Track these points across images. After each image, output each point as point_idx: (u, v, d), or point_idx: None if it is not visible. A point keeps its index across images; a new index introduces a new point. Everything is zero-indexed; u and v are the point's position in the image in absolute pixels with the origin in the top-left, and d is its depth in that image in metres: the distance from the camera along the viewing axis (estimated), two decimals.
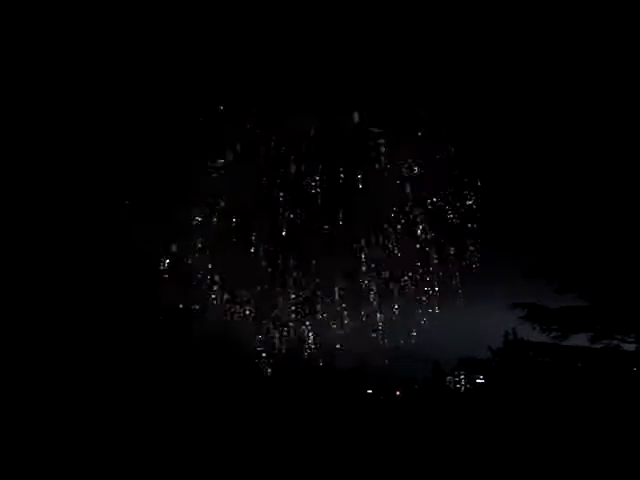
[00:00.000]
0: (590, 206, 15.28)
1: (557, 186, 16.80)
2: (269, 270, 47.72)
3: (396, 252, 51.20)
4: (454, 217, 49.59)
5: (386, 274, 51.50)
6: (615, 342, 14.38)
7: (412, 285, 50.73)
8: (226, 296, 45.10)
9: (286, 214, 47.60)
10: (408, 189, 49.95)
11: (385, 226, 51.04)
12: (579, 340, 14.79)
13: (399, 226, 50.68)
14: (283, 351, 44.48)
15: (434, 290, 51.26)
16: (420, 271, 51.20)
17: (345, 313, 51.47)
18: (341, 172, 48.19)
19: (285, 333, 47.86)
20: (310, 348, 46.74)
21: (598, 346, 14.53)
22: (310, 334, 48.14)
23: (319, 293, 48.68)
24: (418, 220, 50.73)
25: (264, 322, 46.62)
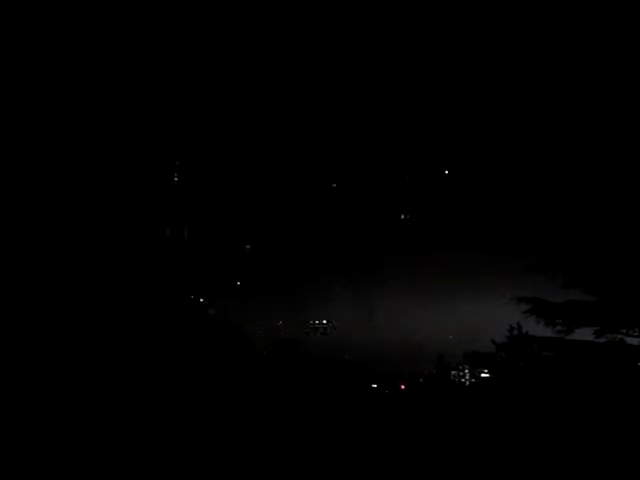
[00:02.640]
0: (595, 200, 15.24)
1: (562, 179, 16.76)
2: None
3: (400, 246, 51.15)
4: (458, 210, 49.51)
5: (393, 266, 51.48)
6: (620, 336, 14.38)
7: (417, 278, 50.76)
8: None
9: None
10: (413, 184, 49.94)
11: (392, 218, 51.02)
12: (584, 334, 14.81)
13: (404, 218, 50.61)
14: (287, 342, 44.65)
15: (439, 283, 51.24)
16: (425, 264, 51.15)
17: (350, 306, 51.48)
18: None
19: (289, 326, 47.97)
20: (315, 341, 46.91)
21: (603, 340, 14.54)
22: (315, 327, 48.22)
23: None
24: (422, 214, 50.66)
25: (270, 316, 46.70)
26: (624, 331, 14.34)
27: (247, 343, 33.18)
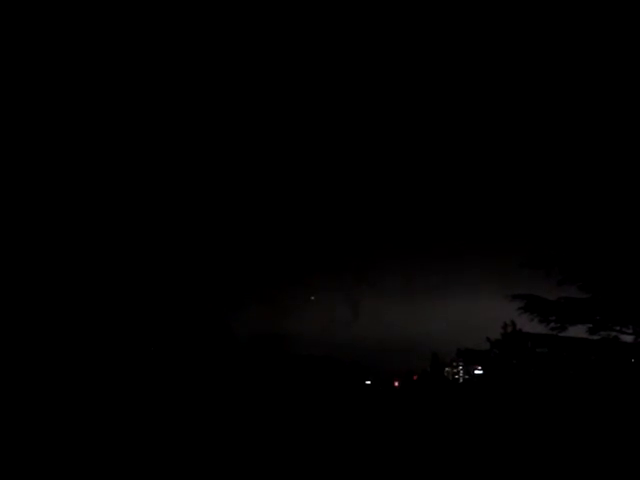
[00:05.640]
0: (590, 198, 15.21)
1: (557, 178, 16.73)
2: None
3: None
4: (452, 207, 49.50)
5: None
6: (613, 333, 14.38)
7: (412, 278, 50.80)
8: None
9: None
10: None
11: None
12: (577, 331, 14.80)
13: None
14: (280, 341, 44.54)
15: (433, 282, 51.27)
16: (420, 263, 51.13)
17: (343, 304, 51.45)
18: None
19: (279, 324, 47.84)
20: (309, 339, 46.87)
21: (596, 337, 14.54)
22: (309, 325, 48.13)
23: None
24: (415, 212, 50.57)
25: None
26: (618, 328, 14.34)
27: (231, 338, 33.10)
